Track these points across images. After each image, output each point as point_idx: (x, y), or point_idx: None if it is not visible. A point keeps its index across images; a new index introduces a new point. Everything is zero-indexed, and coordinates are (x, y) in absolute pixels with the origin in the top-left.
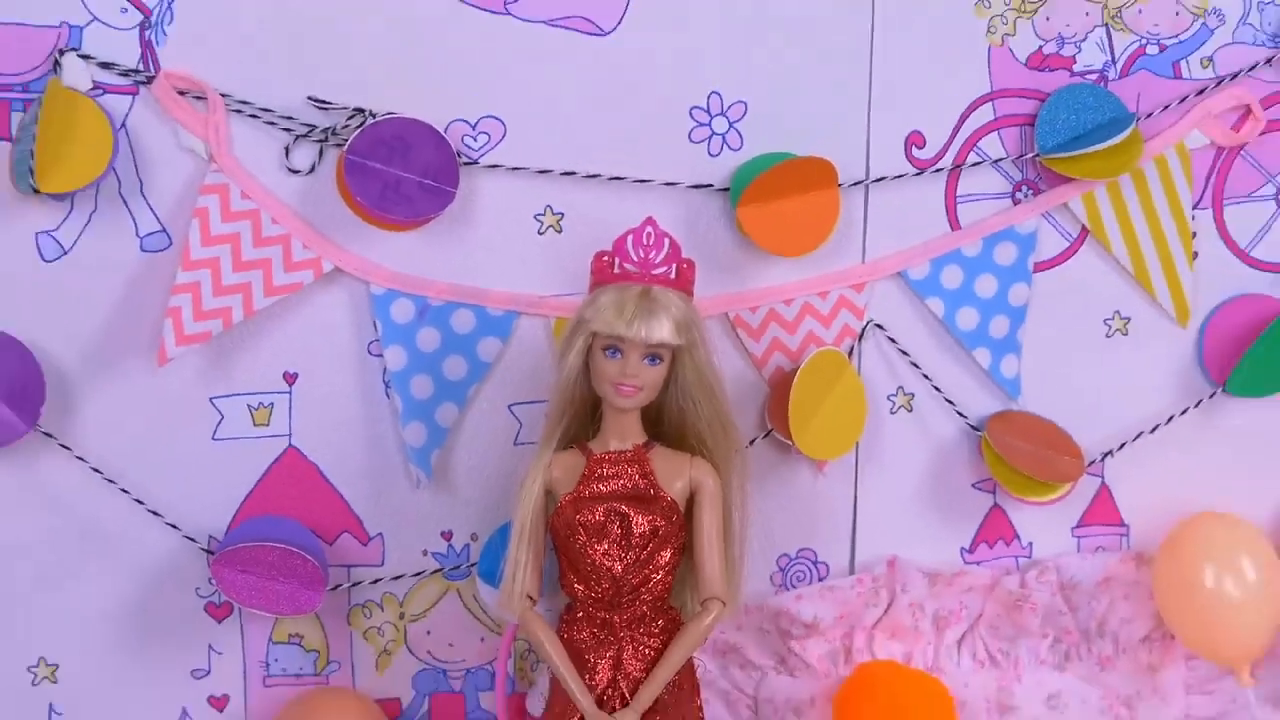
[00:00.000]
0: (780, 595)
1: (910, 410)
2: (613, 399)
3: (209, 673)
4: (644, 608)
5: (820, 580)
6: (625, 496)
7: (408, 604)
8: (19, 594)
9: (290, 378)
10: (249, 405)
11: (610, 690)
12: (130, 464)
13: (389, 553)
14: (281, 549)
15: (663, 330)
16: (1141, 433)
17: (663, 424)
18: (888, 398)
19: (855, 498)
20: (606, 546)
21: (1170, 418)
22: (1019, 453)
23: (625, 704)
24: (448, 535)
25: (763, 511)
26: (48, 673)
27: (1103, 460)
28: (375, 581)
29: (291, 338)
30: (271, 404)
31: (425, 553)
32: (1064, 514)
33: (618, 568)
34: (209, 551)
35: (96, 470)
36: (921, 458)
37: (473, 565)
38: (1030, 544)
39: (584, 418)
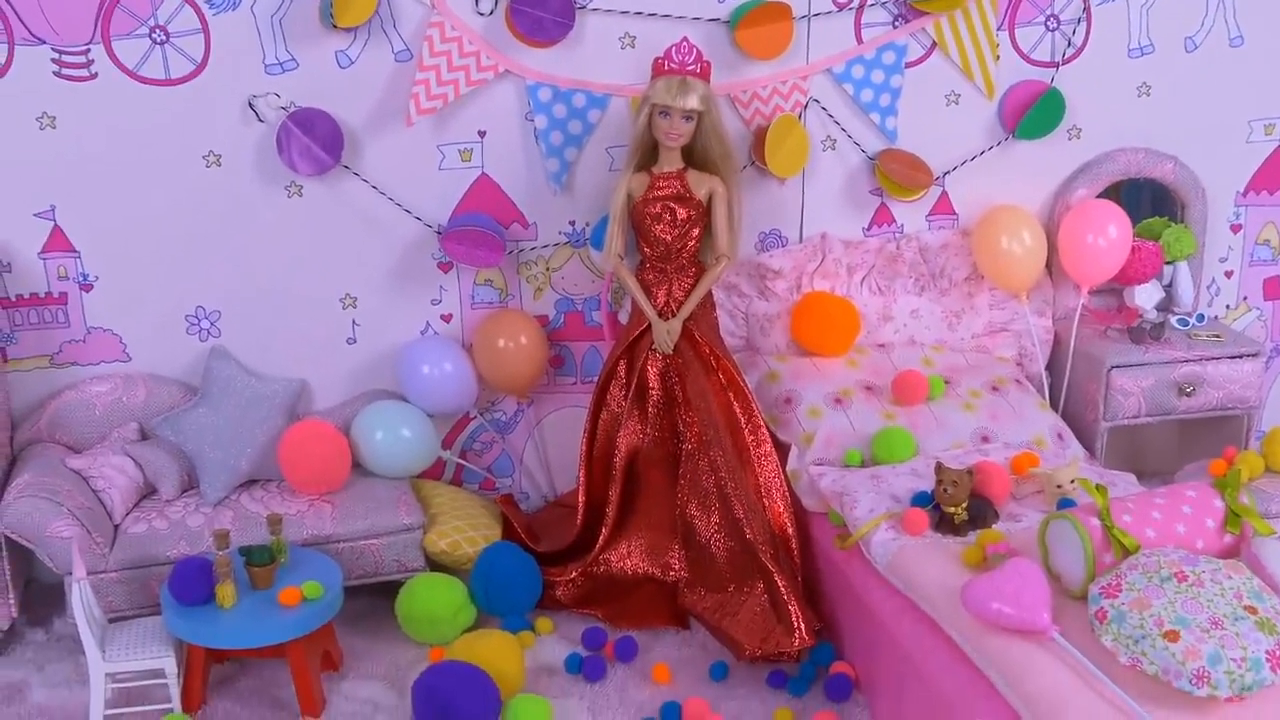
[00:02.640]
0: (760, 255)
1: (834, 149)
2: (664, 142)
3: (440, 301)
4: (683, 261)
5: (782, 246)
6: (673, 198)
7: (551, 261)
8: (334, 259)
9: (481, 134)
10: (459, 149)
11: (665, 307)
12: (393, 184)
13: (540, 233)
14: (479, 230)
15: (693, 100)
16: (966, 160)
17: (693, 156)
18: (821, 142)
19: (803, 198)
20: (662, 226)
21: (982, 151)
22: (895, 173)
23: (671, 315)
24: (572, 222)
25: (750, 207)
26: (351, 302)
27: (944, 176)
28: (532, 249)
29: (482, 110)
30: (472, 149)
31: (560, 233)
32: (921, 207)
33: (668, 237)
34: (438, 232)
35: (374, 187)
36: (840, 175)
37: (587, 240)
38: (902, 225)
39: (648, 154)
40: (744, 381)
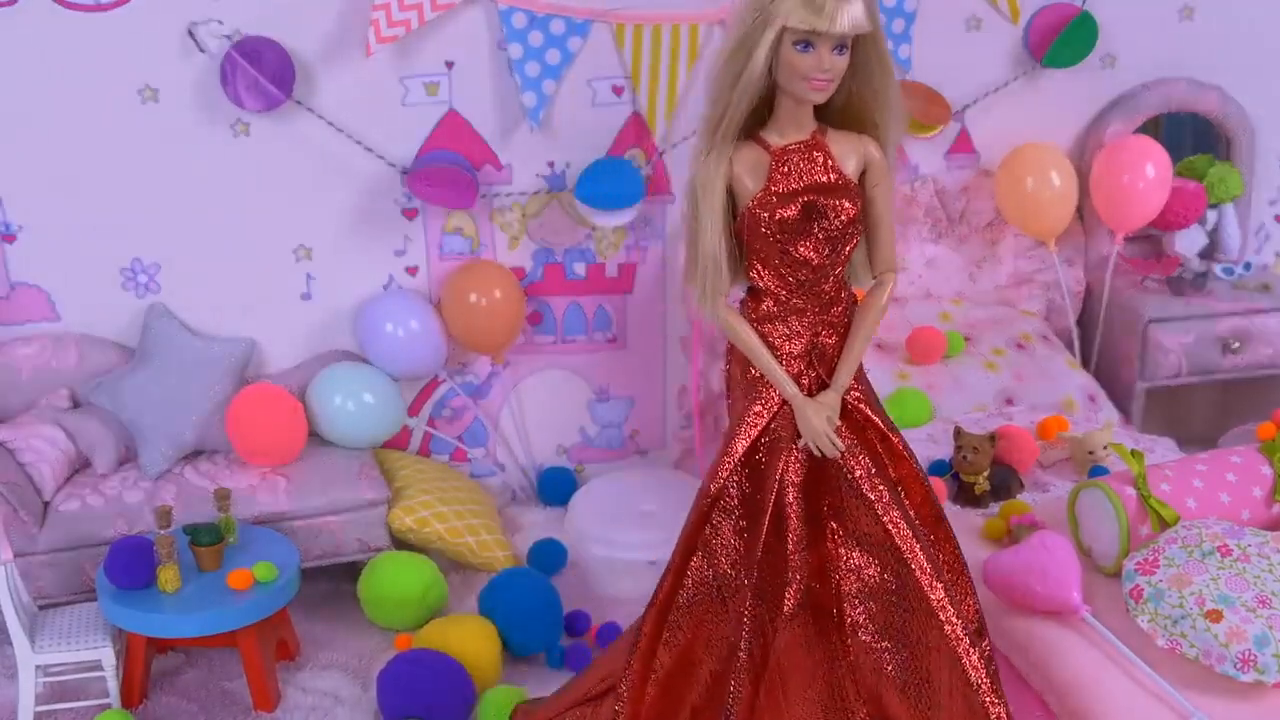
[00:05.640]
0: None
1: None
2: (804, 93)
3: (405, 252)
4: (830, 288)
5: None
6: (817, 189)
7: (527, 208)
8: (286, 205)
9: (449, 64)
10: (424, 82)
11: (803, 371)
12: (352, 121)
13: (515, 175)
14: (449, 168)
15: (857, 15)
16: (988, 92)
17: (828, 108)
18: None
19: None
20: (807, 239)
21: (1006, 82)
22: (909, 106)
23: (819, 385)
24: (551, 163)
25: None
26: (305, 253)
27: (963, 111)
28: (507, 194)
29: (450, 38)
30: (439, 81)
31: (537, 175)
32: (938, 145)
33: (815, 257)
34: (404, 172)
35: (331, 124)
36: None
37: (567, 186)
38: (917, 165)
39: (757, 113)
40: (920, 469)
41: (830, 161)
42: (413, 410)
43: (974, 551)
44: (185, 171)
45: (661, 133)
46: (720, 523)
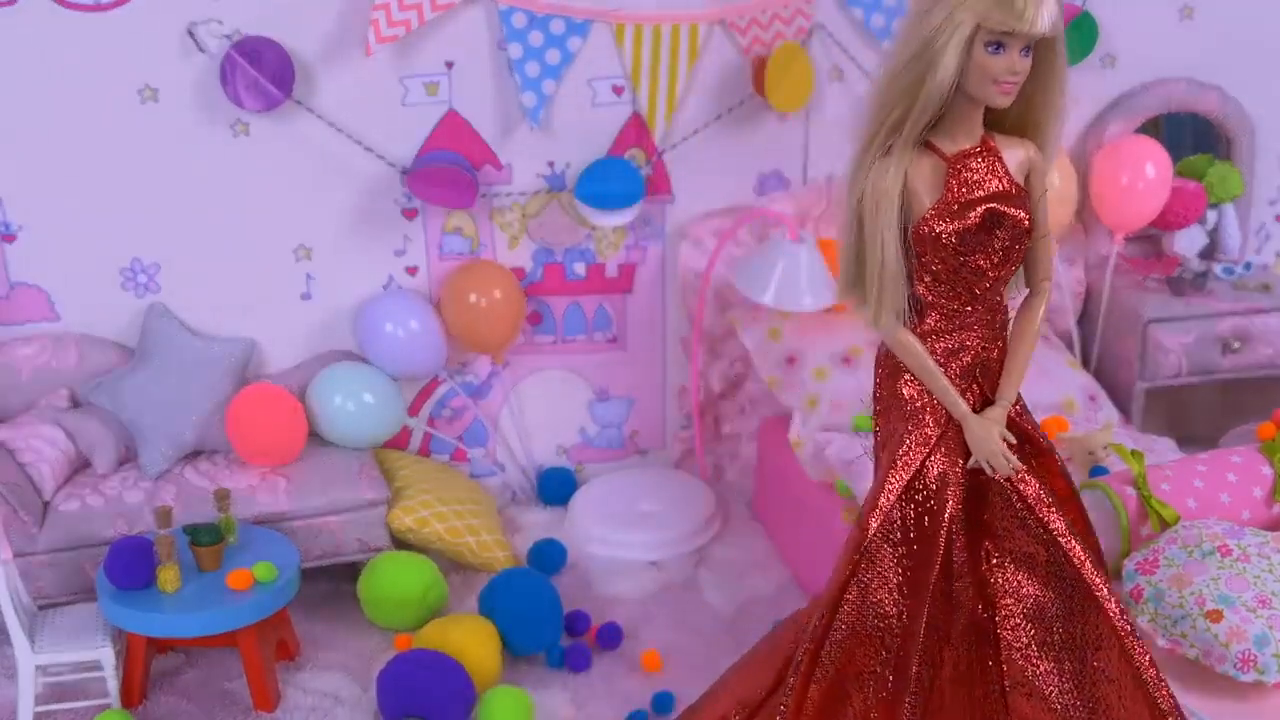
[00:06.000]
0: (759, 199)
1: (842, 80)
2: (993, 97)
3: (405, 252)
4: (996, 300)
5: (784, 189)
6: (995, 197)
7: (527, 208)
8: (286, 205)
9: (449, 64)
10: (424, 82)
11: (967, 392)
12: (351, 121)
13: (515, 175)
14: (450, 168)
15: (1054, 14)
16: None
17: (991, 114)
18: (827, 72)
19: (806, 136)
20: (983, 250)
21: None
22: None
23: (982, 401)
24: (551, 163)
25: (748, 146)
26: (305, 253)
27: None
28: (507, 194)
29: (450, 38)
30: (439, 81)
31: (537, 175)
32: None
33: (990, 268)
34: (403, 172)
35: (331, 125)
36: (847, 110)
37: (567, 186)
38: None
39: (932, 119)
40: (1074, 487)
41: (1004, 168)
42: (413, 410)
43: None
44: (185, 171)
45: (661, 133)
46: (881, 556)
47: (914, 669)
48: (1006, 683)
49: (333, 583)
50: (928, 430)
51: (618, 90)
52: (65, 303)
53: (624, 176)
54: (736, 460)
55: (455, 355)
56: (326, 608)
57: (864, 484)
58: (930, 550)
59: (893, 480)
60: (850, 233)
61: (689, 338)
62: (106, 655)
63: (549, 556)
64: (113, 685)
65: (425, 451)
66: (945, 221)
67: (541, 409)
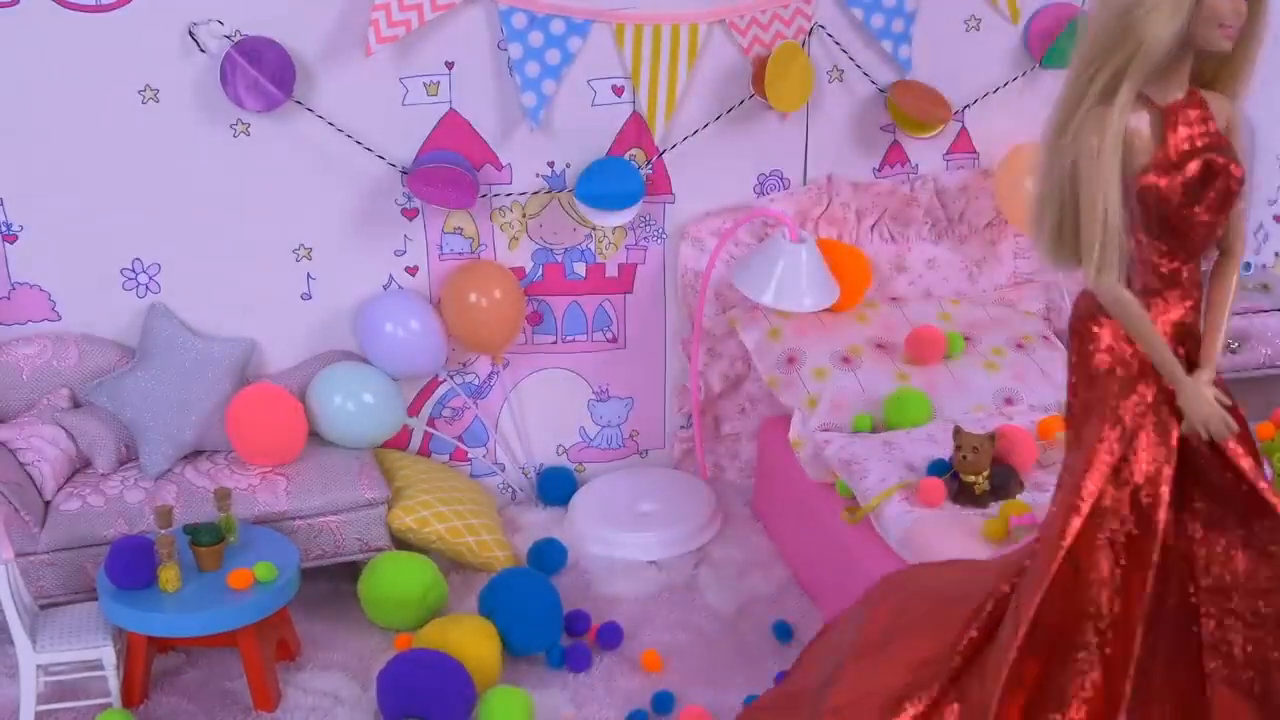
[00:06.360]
0: (759, 199)
1: (841, 80)
2: (1217, 40)
3: (405, 252)
4: (1200, 258)
5: (784, 189)
6: (1212, 148)
7: (527, 208)
8: (286, 205)
9: (449, 65)
10: (424, 82)
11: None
12: (352, 120)
13: (515, 175)
14: (450, 168)
15: None
16: (987, 92)
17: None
18: (827, 73)
19: (806, 136)
20: (1202, 203)
21: (1006, 82)
22: (909, 107)
23: (1185, 364)
24: (551, 163)
25: (748, 146)
26: (305, 253)
27: (963, 110)
28: (507, 194)
29: (450, 38)
30: (439, 81)
31: (537, 175)
32: (938, 145)
33: (1209, 222)
34: (404, 172)
35: (331, 125)
36: (848, 110)
37: (567, 186)
38: (917, 164)
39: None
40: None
41: (1212, 120)
42: (413, 410)
43: (974, 553)
44: (185, 171)
45: (661, 133)
46: (1095, 541)
47: (1135, 649)
48: (1210, 664)
49: (333, 583)
50: (1138, 399)
51: (618, 90)
52: (66, 303)
53: (624, 176)
54: (736, 460)
55: (455, 355)
56: (326, 608)
57: (864, 484)
58: (1148, 528)
59: (1103, 455)
60: (1057, 185)
61: (689, 337)
62: (107, 654)
63: (549, 556)
64: (114, 684)
65: (425, 451)
66: (1167, 173)
67: (541, 409)
